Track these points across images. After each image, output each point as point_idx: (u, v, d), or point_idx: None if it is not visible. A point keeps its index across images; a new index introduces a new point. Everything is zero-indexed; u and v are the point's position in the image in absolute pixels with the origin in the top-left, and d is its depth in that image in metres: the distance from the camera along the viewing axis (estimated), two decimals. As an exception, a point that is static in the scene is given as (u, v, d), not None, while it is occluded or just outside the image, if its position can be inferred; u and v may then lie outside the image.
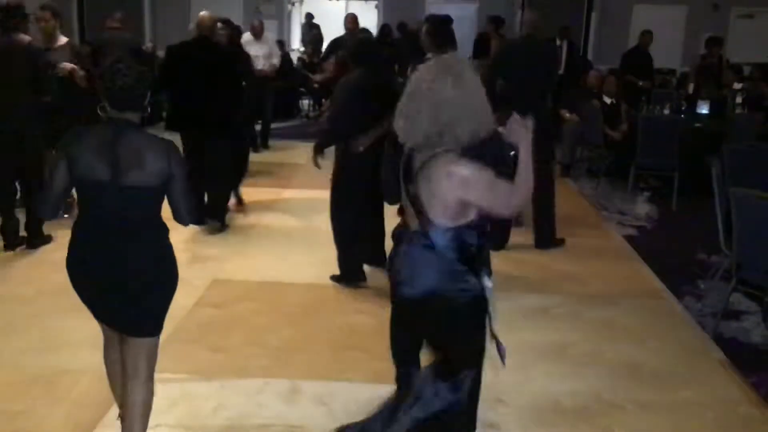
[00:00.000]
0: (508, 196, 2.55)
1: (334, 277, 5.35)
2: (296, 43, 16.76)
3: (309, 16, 15.64)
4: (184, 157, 3.27)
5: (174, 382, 3.92)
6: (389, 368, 4.01)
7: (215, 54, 6.42)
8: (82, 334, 4.41)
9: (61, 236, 6.20)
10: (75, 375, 3.94)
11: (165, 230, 2.96)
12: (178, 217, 2.97)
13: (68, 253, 2.99)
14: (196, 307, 4.87)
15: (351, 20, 10.44)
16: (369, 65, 5.04)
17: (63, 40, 6.24)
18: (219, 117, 6.28)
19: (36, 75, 5.67)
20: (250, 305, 4.90)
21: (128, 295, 2.90)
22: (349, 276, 5.29)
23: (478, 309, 2.64)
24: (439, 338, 2.80)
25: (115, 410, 3.60)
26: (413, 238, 2.65)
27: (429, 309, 2.66)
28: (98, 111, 3.28)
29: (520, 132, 2.61)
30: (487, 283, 2.63)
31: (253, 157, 7.42)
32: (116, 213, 2.82)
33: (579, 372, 4.17)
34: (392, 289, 2.77)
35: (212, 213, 6.49)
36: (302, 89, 14.03)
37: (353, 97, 4.93)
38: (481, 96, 2.59)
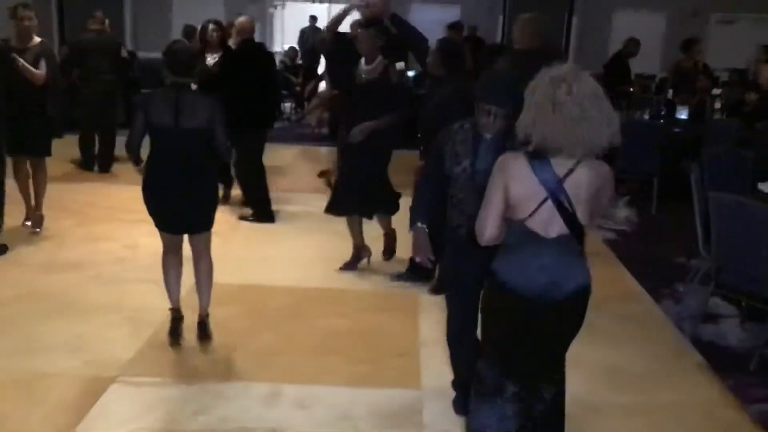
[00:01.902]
0: None
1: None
2: (278, 46, 16.72)
3: (313, 19, 15.48)
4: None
5: (152, 386, 3.89)
6: (369, 372, 4.02)
7: (264, 55, 7.06)
8: (59, 338, 4.38)
9: (17, 249, 6.16)
10: (52, 379, 3.90)
11: (210, 160, 4.16)
12: (219, 154, 4.18)
13: (145, 181, 4.16)
14: (176, 311, 4.83)
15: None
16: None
17: (36, 39, 6.20)
18: (267, 114, 7.07)
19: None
20: (231, 309, 4.88)
21: (191, 202, 4.15)
22: None
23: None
24: (573, 336, 2.91)
25: (92, 414, 3.58)
26: (558, 246, 2.71)
27: (580, 305, 2.83)
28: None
29: None
30: None
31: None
32: (178, 148, 4.03)
33: (559, 375, 4.18)
34: (523, 301, 2.75)
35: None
36: (284, 92, 13.99)
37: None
38: None
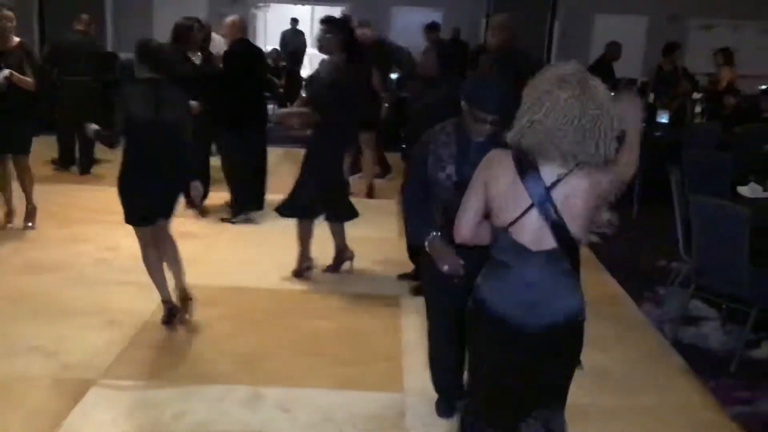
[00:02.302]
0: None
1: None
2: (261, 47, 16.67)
3: (294, 21, 15.46)
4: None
5: (133, 389, 3.86)
6: (353, 374, 4.01)
7: (258, 56, 7.24)
8: (39, 340, 4.34)
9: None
10: (31, 382, 3.86)
11: (184, 149, 4.38)
12: (187, 144, 4.42)
13: (123, 174, 4.35)
14: (158, 313, 4.79)
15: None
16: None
17: (15, 40, 6.15)
18: (262, 115, 7.22)
19: None
20: (213, 311, 4.85)
21: (166, 192, 4.42)
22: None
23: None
24: (567, 369, 2.63)
25: (72, 417, 3.54)
26: (543, 261, 2.46)
27: (569, 333, 2.54)
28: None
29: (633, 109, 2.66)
30: None
31: (218, 161, 7.36)
32: (157, 140, 4.26)
33: (541, 377, 4.20)
34: (503, 323, 2.49)
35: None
36: (267, 93, 13.93)
37: None
38: None
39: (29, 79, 6.05)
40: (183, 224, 6.74)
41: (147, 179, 4.29)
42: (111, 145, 4.44)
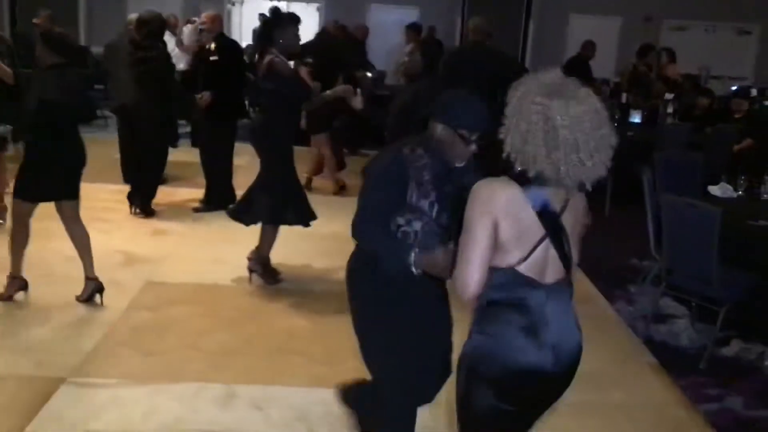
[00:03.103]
0: None
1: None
2: (236, 44, 16.57)
3: (263, 17, 15.34)
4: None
5: (104, 387, 3.82)
6: (327, 372, 4.00)
7: (241, 50, 7.55)
8: (8, 339, 4.29)
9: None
10: (0, 380, 3.81)
11: (77, 133, 4.76)
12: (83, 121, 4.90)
13: (29, 150, 4.70)
14: (129, 310, 4.76)
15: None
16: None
17: None
18: (243, 106, 7.52)
19: None
20: (186, 308, 4.82)
21: (65, 169, 4.68)
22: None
23: None
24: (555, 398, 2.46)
25: (42, 416, 3.50)
26: (554, 293, 2.25)
27: (575, 366, 2.37)
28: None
29: None
30: None
31: (189, 156, 7.34)
32: (66, 121, 4.64)
33: (514, 375, 4.22)
34: (526, 375, 2.23)
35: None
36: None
37: None
38: None
39: (9, 70, 5.94)
40: (155, 222, 6.71)
41: (53, 158, 4.57)
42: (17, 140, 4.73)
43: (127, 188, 7.48)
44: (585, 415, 3.86)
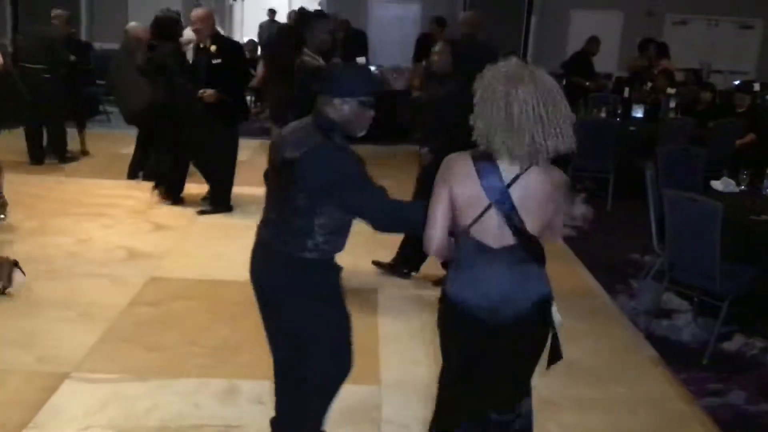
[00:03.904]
0: None
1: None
2: (237, 39, 16.55)
3: (272, 13, 15.32)
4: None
5: (106, 382, 3.83)
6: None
7: (240, 48, 7.43)
8: (11, 333, 4.29)
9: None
10: (3, 375, 3.81)
11: None
12: None
13: None
14: (132, 306, 4.76)
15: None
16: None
17: None
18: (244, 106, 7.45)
19: None
20: (188, 303, 4.82)
21: None
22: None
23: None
24: (537, 356, 2.66)
25: (45, 410, 3.50)
26: (506, 257, 2.49)
27: (540, 319, 2.60)
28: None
29: None
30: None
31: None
32: None
33: (516, 370, 4.22)
34: (477, 322, 2.52)
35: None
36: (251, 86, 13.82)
37: None
38: None
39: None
40: (157, 217, 6.71)
41: None
42: None
43: (129, 184, 7.51)
44: (586, 409, 3.86)
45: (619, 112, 9.44)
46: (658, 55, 10.79)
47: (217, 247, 6.06)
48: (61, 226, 6.30)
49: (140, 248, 5.87)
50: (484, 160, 2.46)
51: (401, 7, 15.49)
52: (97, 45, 13.25)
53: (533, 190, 2.46)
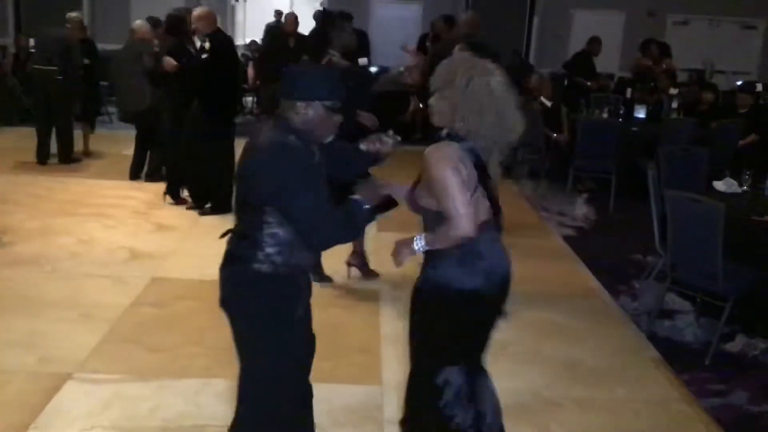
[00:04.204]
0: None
1: None
2: (240, 39, 16.56)
3: (278, 14, 15.31)
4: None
5: (109, 382, 3.83)
6: (330, 367, 4.00)
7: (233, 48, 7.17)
8: (13, 334, 4.30)
9: None
10: (5, 376, 3.82)
11: None
12: None
13: None
14: (134, 306, 4.77)
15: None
16: None
17: None
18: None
19: None
20: (190, 304, 4.82)
21: None
22: None
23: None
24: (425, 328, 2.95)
25: (47, 411, 3.51)
26: (486, 230, 2.72)
27: (508, 287, 2.88)
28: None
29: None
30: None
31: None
32: None
33: (518, 370, 4.22)
34: (494, 299, 2.84)
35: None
36: (245, 86, 13.86)
37: None
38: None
39: None
40: (159, 218, 6.72)
41: None
42: None
43: (131, 185, 7.52)
44: (588, 410, 3.86)
45: (621, 112, 9.44)
46: (660, 54, 10.79)
47: (219, 247, 6.01)
48: (64, 227, 6.30)
49: (142, 249, 5.88)
50: (465, 144, 2.67)
51: (403, 7, 15.48)
52: (99, 45, 13.27)
53: (495, 173, 2.76)
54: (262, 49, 8.33)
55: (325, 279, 5.30)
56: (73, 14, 8.92)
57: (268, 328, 2.68)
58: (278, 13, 15.12)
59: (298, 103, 2.54)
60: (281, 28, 10.39)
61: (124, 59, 7.71)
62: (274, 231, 2.56)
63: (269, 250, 2.58)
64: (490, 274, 2.75)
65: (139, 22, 7.87)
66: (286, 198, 2.48)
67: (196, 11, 6.88)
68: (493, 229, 2.76)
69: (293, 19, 10.25)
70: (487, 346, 2.95)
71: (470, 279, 2.71)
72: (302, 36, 9.91)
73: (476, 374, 2.93)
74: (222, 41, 6.87)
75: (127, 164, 7.95)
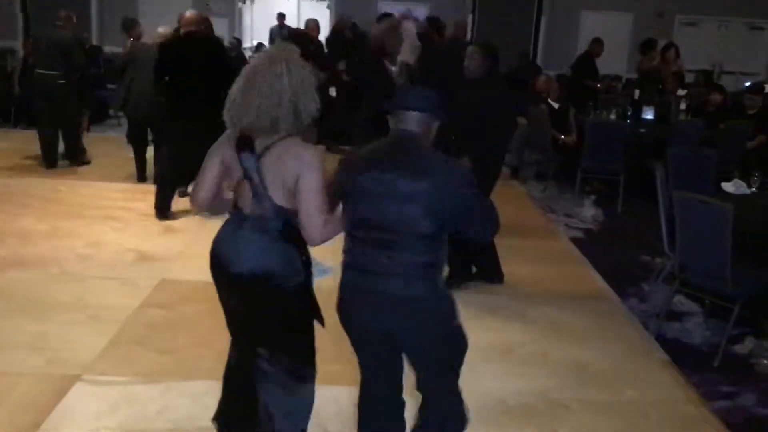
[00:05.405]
0: (324, 218, 2.65)
1: None
2: (247, 42, 16.60)
3: (281, 17, 15.37)
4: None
5: (117, 384, 3.84)
6: (339, 370, 4.00)
7: (206, 48, 6.77)
8: (22, 336, 4.31)
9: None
10: (14, 377, 3.83)
11: None
12: None
13: None
14: (142, 308, 4.78)
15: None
16: None
17: None
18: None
19: None
20: (198, 306, 4.83)
21: None
22: None
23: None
24: (271, 320, 2.95)
25: (56, 413, 3.52)
26: (254, 223, 2.73)
27: (267, 291, 2.80)
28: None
29: None
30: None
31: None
32: None
33: (525, 372, 4.22)
34: (220, 270, 2.91)
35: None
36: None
37: None
38: (311, 83, 2.72)
39: None
40: (166, 220, 6.73)
41: None
42: None
43: (139, 187, 7.54)
44: (596, 412, 3.85)
45: (629, 113, 9.41)
46: (667, 55, 10.75)
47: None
48: (72, 229, 6.32)
49: (150, 251, 5.90)
50: (241, 134, 2.69)
51: (410, 7, 15.47)
52: (107, 49, 13.33)
53: (280, 163, 2.65)
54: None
55: None
56: (62, 12, 8.85)
57: None
58: (281, 16, 15.15)
59: (436, 122, 2.79)
60: (307, 34, 10.42)
61: (144, 62, 7.63)
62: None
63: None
64: None
65: (161, 30, 7.88)
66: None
67: (185, 15, 6.87)
68: (250, 220, 2.78)
69: (315, 24, 10.41)
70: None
71: None
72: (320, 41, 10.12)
73: None
74: (207, 43, 6.85)
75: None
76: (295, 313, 2.90)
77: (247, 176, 2.67)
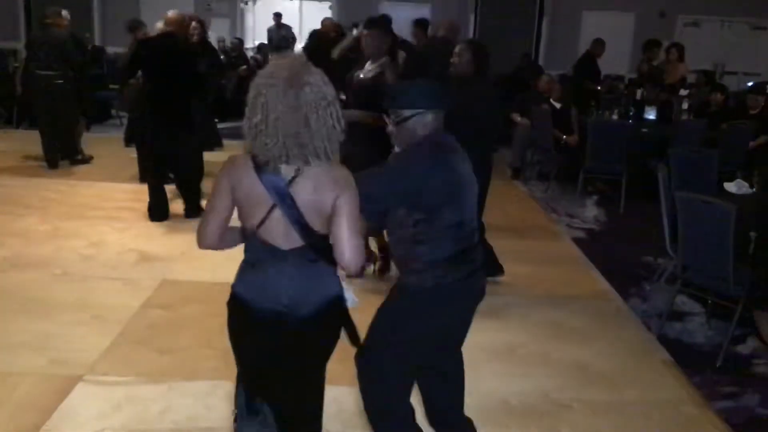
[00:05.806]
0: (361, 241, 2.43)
1: None
2: (249, 43, 16.61)
3: (277, 16, 15.38)
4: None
5: (120, 384, 3.84)
6: (341, 370, 4.00)
7: (179, 51, 6.68)
8: (25, 336, 4.32)
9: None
10: (17, 378, 3.84)
11: None
12: None
13: None
14: (144, 309, 4.79)
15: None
16: None
17: None
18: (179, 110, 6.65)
19: None
20: (200, 306, 4.83)
21: None
22: None
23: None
24: (324, 352, 2.76)
25: (58, 413, 3.52)
26: (296, 258, 2.43)
27: (331, 317, 2.61)
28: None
29: None
30: None
31: (208, 156, 7.30)
32: None
33: (527, 372, 4.21)
34: (266, 321, 2.55)
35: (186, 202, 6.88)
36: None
37: None
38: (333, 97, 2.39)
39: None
40: (168, 220, 6.73)
41: None
42: None
43: (141, 187, 7.53)
44: (598, 412, 3.85)
45: (631, 113, 9.41)
46: (669, 57, 10.74)
47: (230, 250, 6.05)
48: (74, 230, 6.33)
49: (153, 251, 5.90)
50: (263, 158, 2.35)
51: (412, 9, 15.47)
52: (109, 49, 13.34)
53: (318, 188, 2.33)
54: (309, 52, 8.31)
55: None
56: (52, 9, 8.82)
57: None
58: (277, 16, 15.15)
59: (432, 113, 2.88)
60: (324, 34, 10.45)
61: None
62: None
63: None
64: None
65: (159, 25, 7.85)
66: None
67: (168, 14, 6.83)
68: (294, 256, 2.44)
69: (331, 24, 10.48)
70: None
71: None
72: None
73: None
74: (184, 45, 6.88)
75: (137, 167, 7.97)
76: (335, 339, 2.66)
77: (278, 205, 2.34)
